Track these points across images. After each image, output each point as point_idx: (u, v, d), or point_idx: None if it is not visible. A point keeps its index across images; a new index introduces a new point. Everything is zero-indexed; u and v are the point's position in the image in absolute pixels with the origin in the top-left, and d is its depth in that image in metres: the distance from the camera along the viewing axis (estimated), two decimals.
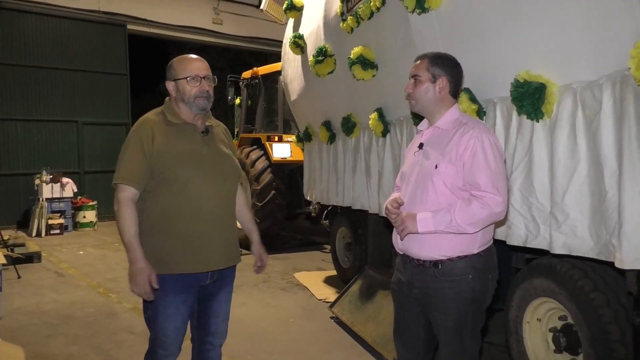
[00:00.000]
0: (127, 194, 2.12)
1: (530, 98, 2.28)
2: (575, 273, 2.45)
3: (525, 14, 2.29)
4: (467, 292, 2.04)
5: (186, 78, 2.18)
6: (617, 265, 1.93)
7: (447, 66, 2.13)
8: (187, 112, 2.23)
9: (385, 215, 2.23)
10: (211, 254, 2.21)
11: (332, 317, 4.45)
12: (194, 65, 2.22)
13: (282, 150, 7.65)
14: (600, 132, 2.01)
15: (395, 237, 2.21)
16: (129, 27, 12.06)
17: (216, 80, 2.30)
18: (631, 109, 1.85)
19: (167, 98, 2.31)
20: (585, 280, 2.41)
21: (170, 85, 2.24)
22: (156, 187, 2.15)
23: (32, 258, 6.99)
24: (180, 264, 2.15)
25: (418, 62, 2.18)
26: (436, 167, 2.03)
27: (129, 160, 2.14)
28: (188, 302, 2.22)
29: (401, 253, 2.21)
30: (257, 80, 8.55)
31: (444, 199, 2.01)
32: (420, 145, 2.17)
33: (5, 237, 7.18)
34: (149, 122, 2.20)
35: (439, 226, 1.97)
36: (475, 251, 2.06)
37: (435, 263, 2.05)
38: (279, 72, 7.79)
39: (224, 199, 2.28)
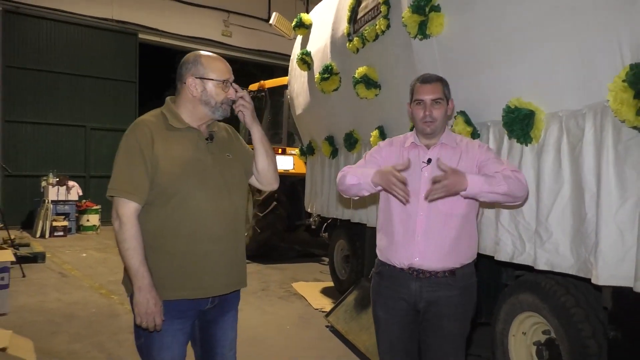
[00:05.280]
0: (129, 209, 1.82)
1: (520, 123, 2.45)
2: (559, 289, 2.59)
3: (518, 47, 2.47)
4: (473, 296, 2.20)
5: (223, 81, 1.94)
6: (593, 281, 2.08)
7: (449, 89, 2.23)
8: (201, 116, 1.97)
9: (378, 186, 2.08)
10: (211, 278, 1.95)
11: (327, 326, 4.58)
12: (226, 67, 1.97)
13: (284, 162, 7.83)
14: (582, 157, 2.18)
15: (405, 252, 2.12)
16: (140, 36, 12.35)
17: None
18: (609, 137, 2.02)
19: (168, 98, 2.03)
20: (567, 296, 2.55)
21: (193, 82, 1.94)
22: (152, 201, 1.87)
23: (36, 258, 7.15)
24: (177, 290, 1.90)
25: (430, 85, 2.16)
26: None
27: (128, 168, 1.84)
28: (185, 328, 1.97)
29: (405, 268, 2.14)
30: (263, 93, 8.75)
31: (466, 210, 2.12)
32: (429, 161, 2.15)
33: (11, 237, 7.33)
34: (147, 125, 1.90)
35: (486, 188, 1.93)
36: (476, 256, 2.23)
37: (452, 271, 2.12)
38: (285, 86, 7.99)
39: (228, 215, 1.98)
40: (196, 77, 1.93)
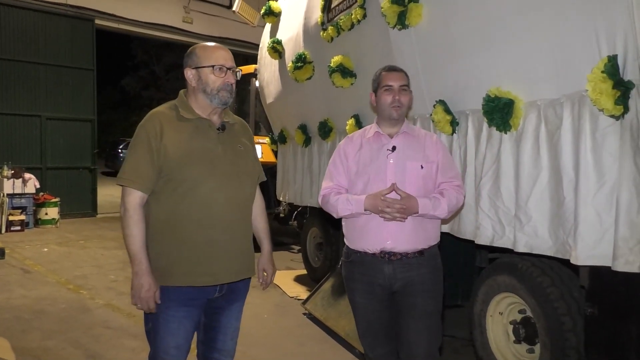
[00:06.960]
0: (134, 198, 1.92)
1: (499, 112, 2.54)
2: (535, 270, 2.72)
3: (496, 37, 2.56)
4: (441, 274, 2.34)
5: (212, 67, 1.98)
6: (572, 261, 2.20)
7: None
8: (204, 105, 2.02)
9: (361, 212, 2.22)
10: (221, 265, 2.00)
11: (304, 313, 4.63)
12: (220, 54, 2.01)
13: None
14: (560, 144, 2.28)
15: (377, 237, 2.23)
16: (97, 22, 11.89)
17: (239, 74, 2.10)
18: (587, 125, 2.13)
19: (181, 91, 2.11)
20: (543, 277, 2.68)
21: (190, 73, 2.01)
22: (162, 189, 1.95)
23: None
24: (186, 275, 1.95)
25: (397, 73, 2.31)
26: (422, 167, 2.26)
27: (135, 159, 1.94)
28: (193, 316, 2.02)
29: (377, 252, 2.23)
30: None
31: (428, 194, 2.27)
32: (393, 148, 2.27)
33: None
34: (157, 116, 1.99)
35: (431, 212, 2.18)
36: (439, 237, 2.38)
37: (421, 252, 2.25)
38: (251, 75, 7.92)
39: (238, 203, 2.06)
40: (192, 68, 2.02)
